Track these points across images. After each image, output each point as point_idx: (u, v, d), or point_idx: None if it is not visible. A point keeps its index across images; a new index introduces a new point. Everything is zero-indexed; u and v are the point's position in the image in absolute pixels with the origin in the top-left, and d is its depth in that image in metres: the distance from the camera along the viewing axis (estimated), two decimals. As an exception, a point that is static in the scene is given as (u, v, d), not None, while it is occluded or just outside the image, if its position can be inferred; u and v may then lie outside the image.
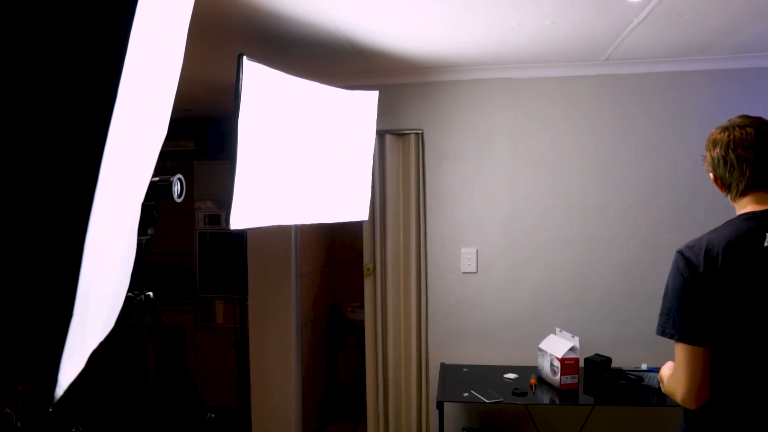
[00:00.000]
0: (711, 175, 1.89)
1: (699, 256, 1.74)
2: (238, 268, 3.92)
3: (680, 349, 1.72)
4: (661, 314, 1.78)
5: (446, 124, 3.70)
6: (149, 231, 2.08)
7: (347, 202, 3.17)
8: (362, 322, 3.88)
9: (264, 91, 2.52)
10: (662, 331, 1.77)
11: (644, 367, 3.29)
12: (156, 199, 2.07)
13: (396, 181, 3.74)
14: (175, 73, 1.31)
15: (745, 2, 2.58)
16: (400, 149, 3.74)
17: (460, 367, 3.55)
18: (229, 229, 2.40)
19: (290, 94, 2.70)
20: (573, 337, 3.15)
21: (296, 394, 3.92)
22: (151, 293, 2.19)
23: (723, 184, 1.85)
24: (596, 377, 3.14)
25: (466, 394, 3.07)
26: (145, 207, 1.85)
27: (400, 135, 3.74)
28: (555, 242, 3.63)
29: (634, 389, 3.00)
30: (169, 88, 1.29)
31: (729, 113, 3.44)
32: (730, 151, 1.78)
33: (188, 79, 3.58)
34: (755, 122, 1.79)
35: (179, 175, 2.03)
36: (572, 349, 3.12)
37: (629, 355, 3.47)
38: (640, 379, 3.03)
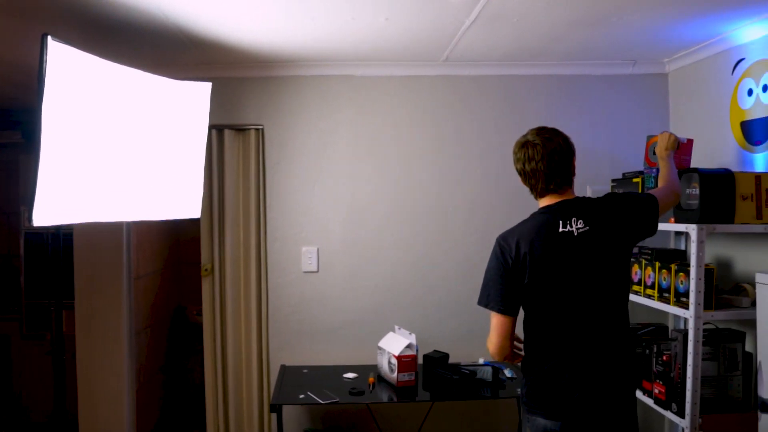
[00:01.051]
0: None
1: (511, 243, 2.12)
2: (64, 270, 3.60)
3: (493, 317, 2.13)
4: (482, 289, 2.18)
5: (288, 120, 3.60)
6: None
7: (176, 198, 2.99)
8: (204, 325, 3.69)
9: (75, 76, 2.30)
10: (481, 302, 2.17)
11: (481, 361, 3.37)
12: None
13: (236, 177, 3.60)
14: None
15: (565, 9, 2.69)
16: (239, 145, 3.60)
17: (300, 368, 3.47)
18: (63, 229, 2.16)
19: (108, 81, 2.48)
20: (410, 334, 3.16)
21: (129, 405, 3.66)
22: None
23: (528, 187, 2.23)
24: (433, 373, 3.17)
25: (302, 396, 2.99)
26: None
27: (240, 130, 3.60)
28: (397, 241, 3.65)
29: (467, 383, 3.05)
30: None
31: (557, 116, 3.68)
32: (526, 165, 2.15)
33: (5, 61, 3.26)
34: (546, 137, 2.15)
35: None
36: (409, 346, 3.13)
37: (468, 350, 3.54)
38: (474, 373, 3.09)
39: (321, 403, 2.90)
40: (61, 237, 3.01)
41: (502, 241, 2.16)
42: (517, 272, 2.11)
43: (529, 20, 2.82)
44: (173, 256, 4.80)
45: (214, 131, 3.54)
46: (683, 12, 2.78)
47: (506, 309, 2.11)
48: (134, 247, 3.73)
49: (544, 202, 2.19)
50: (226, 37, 3.02)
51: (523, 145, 2.18)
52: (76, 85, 2.30)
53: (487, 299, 2.16)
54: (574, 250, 2.08)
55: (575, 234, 2.09)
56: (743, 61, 3.06)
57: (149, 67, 2.88)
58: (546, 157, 2.13)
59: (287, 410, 3.28)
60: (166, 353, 4.62)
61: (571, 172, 2.18)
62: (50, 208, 2.26)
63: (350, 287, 3.62)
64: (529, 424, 2.15)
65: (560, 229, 2.09)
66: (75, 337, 3.57)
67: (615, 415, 2.09)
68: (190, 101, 2.99)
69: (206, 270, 3.59)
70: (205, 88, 3.06)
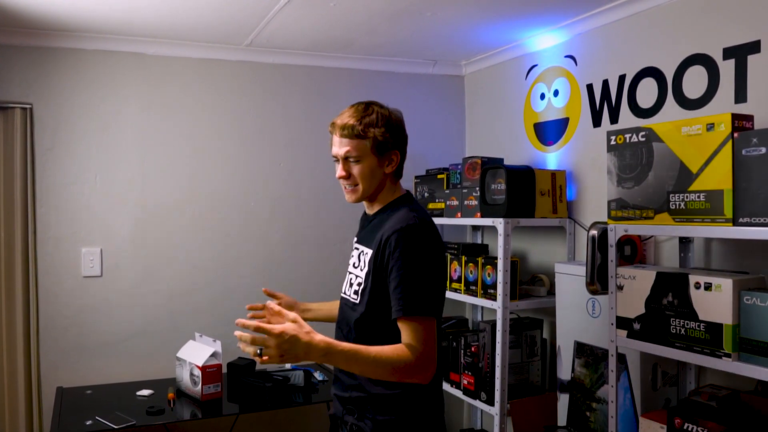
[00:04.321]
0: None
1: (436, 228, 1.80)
2: None
3: (429, 326, 1.63)
4: (415, 291, 1.62)
5: (64, 100, 3.09)
6: None
7: None
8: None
9: None
10: (423, 310, 1.62)
11: (288, 366, 3.18)
12: None
13: (-5, 165, 2.99)
14: None
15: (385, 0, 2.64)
16: (0, 126, 3.00)
17: (82, 389, 2.98)
18: None
19: None
20: (215, 341, 2.87)
21: None
22: None
23: (397, 164, 1.84)
24: (240, 382, 2.92)
25: (89, 422, 2.54)
26: None
27: (1, 109, 3.00)
28: (192, 240, 3.31)
29: (280, 390, 2.85)
30: None
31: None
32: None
33: None
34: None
35: None
36: (214, 354, 2.83)
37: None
38: (287, 379, 2.90)
39: (115, 429, 2.49)
40: None
41: (432, 225, 1.77)
42: (444, 265, 1.86)
43: (346, 5, 2.71)
44: None
45: (-35, 108, 2.91)
46: (483, 16, 2.89)
47: (440, 311, 1.76)
48: None
49: (402, 188, 1.90)
50: (-14, -8, 2.48)
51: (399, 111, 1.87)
52: None
53: (432, 305, 1.66)
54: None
55: None
56: (536, 68, 3.27)
57: None
58: None
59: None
60: None
61: None
62: None
63: (141, 293, 3.21)
64: None
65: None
66: None
67: None
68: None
69: (-46, 278, 2.93)
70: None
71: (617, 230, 2.20)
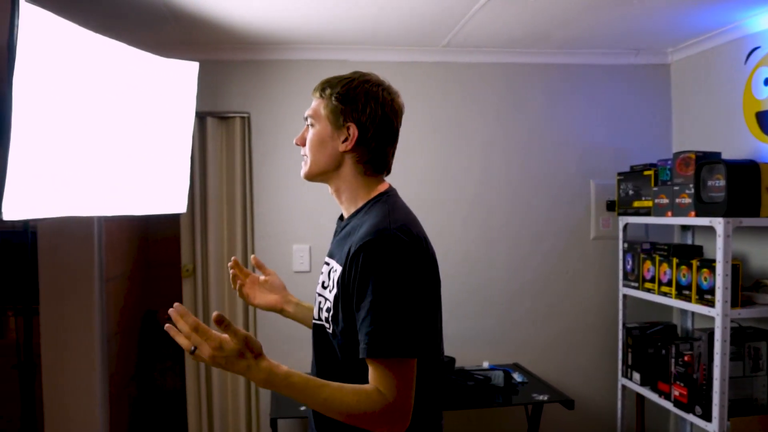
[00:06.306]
0: None
1: (426, 243, 1.43)
2: (27, 271, 3.25)
3: (405, 370, 1.29)
4: (385, 325, 1.26)
5: (276, 108, 3.34)
6: None
7: (160, 190, 2.70)
8: (181, 330, 3.39)
9: (51, 46, 1.99)
10: (390, 350, 1.26)
11: (486, 365, 3.18)
12: None
13: (219, 170, 3.31)
14: None
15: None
16: (223, 134, 3.32)
17: (294, 376, 3.21)
18: (18, 225, 1.86)
19: (87, 54, 2.18)
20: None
21: (102, 418, 3.33)
22: None
23: (375, 153, 1.53)
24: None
25: (303, 408, 2.73)
26: None
27: (223, 118, 3.31)
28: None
29: (482, 390, 2.85)
30: None
31: (558, 107, 3.52)
32: (396, 119, 1.57)
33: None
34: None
35: None
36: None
37: (471, 354, 3.36)
38: (488, 379, 2.90)
39: (324, 415, 2.65)
40: (29, 235, 2.69)
41: (417, 237, 1.38)
42: (438, 280, 1.46)
43: (546, 1, 2.64)
44: (142, 256, 4.47)
45: (195, 119, 3.24)
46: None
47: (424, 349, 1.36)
48: (104, 247, 3.41)
49: (386, 186, 1.55)
50: (213, 14, 2.74)
51: (390, 90, 1.52)
52: (51, 57, 2.00)
53: (409, 342, 1.28)
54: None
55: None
56: (758, 50, 2.95)
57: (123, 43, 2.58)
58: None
59: (281, 424, 3.00)
60: (137, 361, 4.29)
61: None
62: (22, 199, 1.96)
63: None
64: None
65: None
66: (39, 345, 3.22)
67: None
68: (177, 82, 2.71)
69: (187, 270, 3.30)
70: (192, 69, 2.78)
71: None
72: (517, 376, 3.08)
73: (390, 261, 1.29)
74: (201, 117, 3.25)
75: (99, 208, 2.37)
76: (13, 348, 4.04)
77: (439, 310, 1.46)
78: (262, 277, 1.72)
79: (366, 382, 1.31)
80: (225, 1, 2.59)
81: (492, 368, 3.05)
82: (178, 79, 2.72)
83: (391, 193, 1.51)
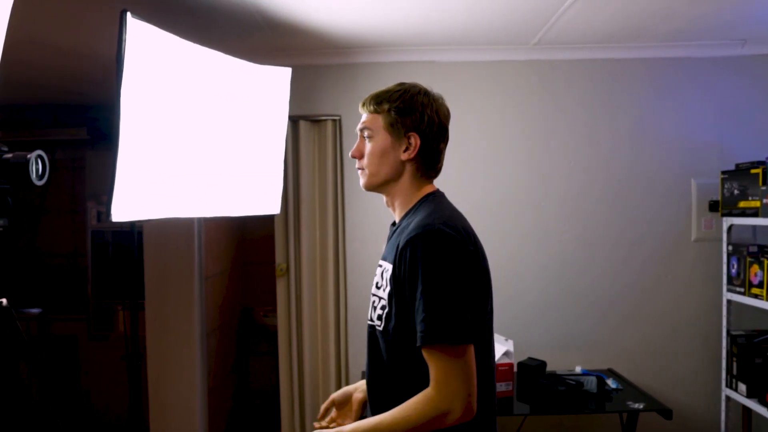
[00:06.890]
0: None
1: (470, 232, 1.52)
2: (134, 269, 3.45)
3: (460, 356, 1.36)
4: (437, 314, 1.35)
5: (367, 110, 3.38)
6: (0, 221, 1.65)
7: (256, 192, 2.80)
8: (276, 327, 3.50)
9: (154, 57, 2.12)
10: (457, 338, 1.34)
11: (578, 370, 3.10)
12: (10, 181, 1.63)
13: (311, 172, 3.40)
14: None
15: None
16: (315, 137, 3.40)
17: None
18: (126, 226, 2.00)
19: (187, 63, 2.31)
20: (506, 340, 2.91)
21: (202, 411, 3.50)
22: (4, 300, 1.75)
23: (424, 157, 1.61)
24: (531, 383, 2.90)
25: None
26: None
27: (315, 121, 3.39)
28: (487, 239, 3.36)
29: (573, 395, 2.78)
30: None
31: (656, 103, 3.37)
32: (447, 123, 1.64)
33: (67, 51, 3.13)
34: None
35: (39, 152, 1.61)
36: (506, 353, 2.87)
37: (563, 358, 3.29)
38: (580, 384, 2.82)
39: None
40: (135, 235, 2.87)
41: (462, 231, 1.46)
42: (486, 274, 1.52)
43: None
44: (239, 255, 4.65)
45: (288, 122, 3.35)
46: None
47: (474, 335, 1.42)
48: (204, 246, 3.57)
49: (433, 188, 1.64)
50: (306, 21, 2.82)
51: (437, 97, 1.59)
52: (154, 68, 2.13)
53: (461, 329, 1.36)
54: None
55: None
56: None
57: (221, 51, 2.69)
58: None
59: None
60: (235, 356, 4.47)
61: None
62: (129, 202, 2.09)
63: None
64: None
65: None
66: (144, 338, 3.42)
67: None
68: (271, 87, 2.80)
69: (281, 270, 3.40)
70: (284, 74, 2.87)
71: None
72: (611, 383, 2.97)
73: (436, 252, 1.38)
74: (294, 120, 3.34)
75: (199, 209, 2.50)
76: (122, 340, 4.32)
77: (487, 303, 1.51)
78: (333, 412, 1.78)
79: (411, 385, 1.40)
80: (317, 9, 2.65)
81: (585, 373, 2.96)
82: (272, 85, 2.81)
83: (437, 194, 1.62)
